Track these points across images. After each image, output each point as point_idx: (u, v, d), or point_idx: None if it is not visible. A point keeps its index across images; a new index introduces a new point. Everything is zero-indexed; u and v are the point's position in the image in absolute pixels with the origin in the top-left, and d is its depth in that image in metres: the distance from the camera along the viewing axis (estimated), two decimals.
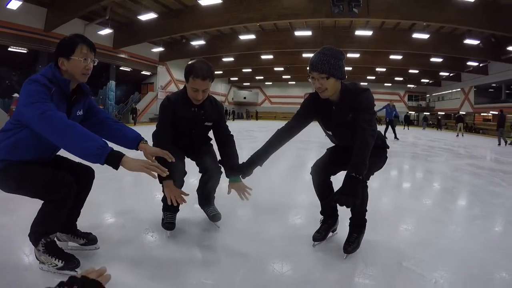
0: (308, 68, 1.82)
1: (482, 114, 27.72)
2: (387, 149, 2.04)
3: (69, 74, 1.63)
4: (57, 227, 1.70)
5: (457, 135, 18.80)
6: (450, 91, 32.65)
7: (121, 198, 3.12)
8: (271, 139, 2.02)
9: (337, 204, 1.58)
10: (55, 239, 1.73)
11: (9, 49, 15.27)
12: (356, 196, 1.53)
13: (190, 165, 2.25)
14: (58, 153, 1.84)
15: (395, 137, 12.23)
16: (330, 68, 1.73)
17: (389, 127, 12.40)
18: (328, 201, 1.65)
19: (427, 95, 39.09)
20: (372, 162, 1.72)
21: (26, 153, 1.60)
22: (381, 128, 2.43)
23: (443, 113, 33.89)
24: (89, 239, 1.89)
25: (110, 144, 1.51)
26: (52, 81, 1.57)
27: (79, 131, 1.45)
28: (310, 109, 1.99)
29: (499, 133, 13.53)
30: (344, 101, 1.83)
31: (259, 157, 1.98)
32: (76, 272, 1.62)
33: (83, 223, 1.97)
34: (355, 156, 1.61)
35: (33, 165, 1.61)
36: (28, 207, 2.65)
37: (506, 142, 13.50)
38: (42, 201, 1.63)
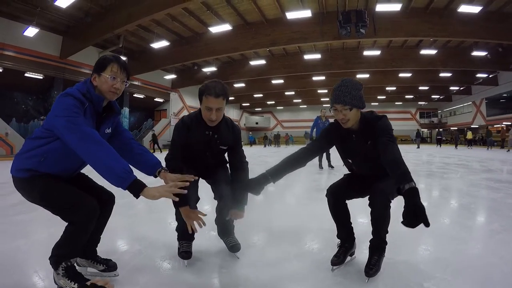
0: (330, 101, 1.88)
1: (495, 126, 26.99)
2: None
3: (99, 90, 1.68)
4: (78, 250, 1.71)
5: (417, 147, 24.57)
6: (462, 105, 32.34)
7: (136, 224, 3.13)
8: (292, 155, 1.99)
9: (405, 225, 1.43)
10: (75, 264, 1.74)
11: (26, 74, 15.76)
12: (420, 205, 1.40)
13: (202, 191, 2.26)
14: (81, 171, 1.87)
15: (329, 164, 8.40)
16: (352, 99, 1.79)
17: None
18: (408, 223, 1.41)
19: (439, 111, 38.77)
20: (391, 188, 1.70)
21: (54, 166, 1.62)
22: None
23: (456, 128, 33.37)
24: (109, 266, 1.90)
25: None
26: (86, 96, 1.62)
27: (108, 150, 1.48)
28: (332, 136, 2.05)
29: None
30: (363, 129, 1.89)
31: (274, 173, 1.91)
32: None
33: (99, 248, 1.97)
34: (396, 169, 1.56)
35: (58, 181, 1.62)
36: (44, 232, 2.73)
37: None
38: (63, 223, 1.63)
